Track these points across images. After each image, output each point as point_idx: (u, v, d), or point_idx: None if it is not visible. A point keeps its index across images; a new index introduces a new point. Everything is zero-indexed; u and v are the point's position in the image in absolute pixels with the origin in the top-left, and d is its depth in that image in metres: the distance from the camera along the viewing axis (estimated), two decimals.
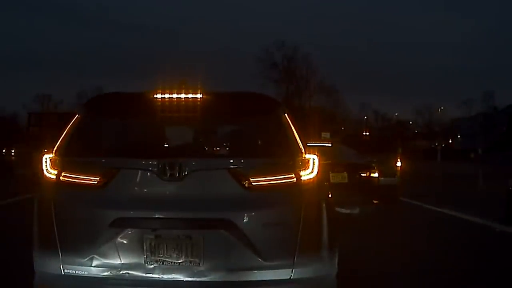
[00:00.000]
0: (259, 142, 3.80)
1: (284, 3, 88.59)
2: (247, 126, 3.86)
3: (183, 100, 3.54)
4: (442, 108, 69.57)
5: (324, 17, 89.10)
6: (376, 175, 10.57)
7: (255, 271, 3.12)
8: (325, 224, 3.29)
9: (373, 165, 10.78)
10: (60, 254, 3.17)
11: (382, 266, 5.87)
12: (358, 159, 11.11)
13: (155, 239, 3.11)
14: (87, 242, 3.14)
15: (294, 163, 3.29)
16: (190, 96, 3.56)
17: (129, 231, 3.12)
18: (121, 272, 3.14)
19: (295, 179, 3.26)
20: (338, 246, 3.48)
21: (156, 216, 3.14)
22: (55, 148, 3.40)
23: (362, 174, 10.41)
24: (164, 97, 3.53)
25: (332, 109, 59.51)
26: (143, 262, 3.12)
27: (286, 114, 3.56)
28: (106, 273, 3.15)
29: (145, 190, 3.23)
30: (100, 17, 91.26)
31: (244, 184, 3.19)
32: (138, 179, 3.24)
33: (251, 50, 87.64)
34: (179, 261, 3.11)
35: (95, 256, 3.13)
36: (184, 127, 4.16)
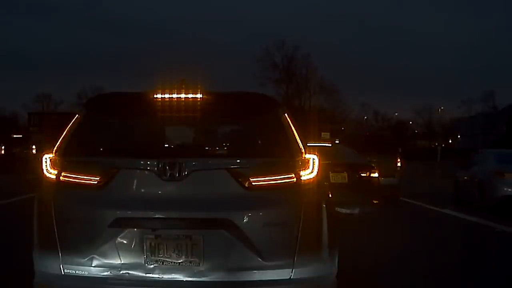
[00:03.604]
0: (259, 142, 3.80)
1: (284, 3, 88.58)
2: (247, 126, 3.86)
3: (183, 100, 3.54)
4: (442, 108, 69.54)
5: (324, 17, 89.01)
6: (376, 175, 10.56)
7: (255, 271, 3.12)
8: (325, 224, 3.29)
9: (373, 165, 10.79)
10: (60, 254, 3.17)
11: (382, 266, 5.87)
12: (358, 159, 11.11)
13: (155, 239, 3.11)
14: (87, 242, 3.13)
15: (294, 163, 3.29)
16: (190, 96, 3.55)
17: (129, 231, 3.12)
18: (121, 272, 3.14)
19: (295, 179, 3.26)
20: (338, 246, 3.48)
21: (156, 216, 3.14)
22: (55, 148, 3.40)
23: (362, 174, 10.40)
24: (164, 97, 3.53)
25: (332, 109, 59.55)
26: (143, 262, 3.12)
27: (286, 114, 3.56)
28: (106, 273, 3.15)
29: (145, 190, 3.22)
30: (100, 17, 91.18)
31: (244, 184, 3.19)
32: (138, 179, 3.24)
33: (251, 50, 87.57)
34: (179, 261, 3.11)
35: (95, 256, 3.13)
36: (184, 127, 4.16)
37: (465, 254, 6.89)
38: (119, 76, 68.63)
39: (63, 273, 3.18)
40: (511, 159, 13.05)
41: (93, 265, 3.14)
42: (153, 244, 3.11)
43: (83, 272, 3.16)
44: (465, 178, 14.11)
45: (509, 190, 11.78)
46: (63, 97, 63.38)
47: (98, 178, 3.22)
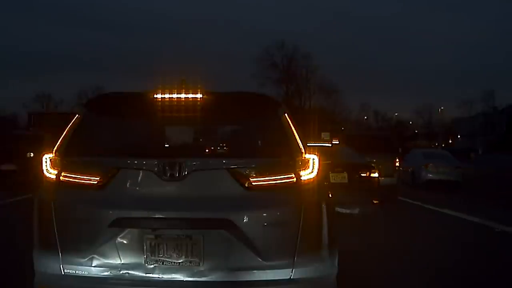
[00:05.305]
0: (259, 142, 3.80)
1: (285, 3, 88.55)
2: (247, 126, 3.86)
3: (183, 100, 3.54)
4: (442, 108, 69.66)
5: (325, 17, 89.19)
6: (376, 175, 10.57)
7: (255, 271, 3.12)
8: (325, 224, 3.29)
9: (373, 165, 10.79)
10: (60, 254, 3.17)
11: (382, 266, 5.87)
12: (358, 159, 11.11)
13: (155, 239, 3.11)
14: (87, 242, 3.14)
15: (294, 163, 3.29)
16: (190, 96, 3.55)
17: (129, 231, 3.12)
18: (121, 272, 3.14)
19: (295, 179, 3.26)
20: (338, 246, 3.48)
21: (156, 216, 3.13)
22: (55, 148, 3.40)
23: (362, 174, 10.41)
24: (164, 97, 3.53)
25: (332, 109, 59.57)
26: (143, 262, 3.12)
27: (286, 114, 3.56)
28: (106, 273, 3.15)
29: (145, 190, 3.22)
30: (100, 17, 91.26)
31: (244, 184, 3.19)
32: (138, 179, 3.24)
33: (251, 50, 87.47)
34: (179, 261, 3.11)
35: (95, 256, 3.13)
36: (184, 127, 4.16)
37: (466, 254, 6.88)
38: (119, 76, 68.71)
39: (63, 273, 3.18)
40: (433, 156, 20.61)
41: (93, 265, 3.14)
42: (153, 244, 3.11)
43: (83, 272, 3.16)
44: (403, 168, 19.05)
45: (430, 176, 18.96)
46: (63, 97, 63.38)
47: (98, 178, 3.22)
